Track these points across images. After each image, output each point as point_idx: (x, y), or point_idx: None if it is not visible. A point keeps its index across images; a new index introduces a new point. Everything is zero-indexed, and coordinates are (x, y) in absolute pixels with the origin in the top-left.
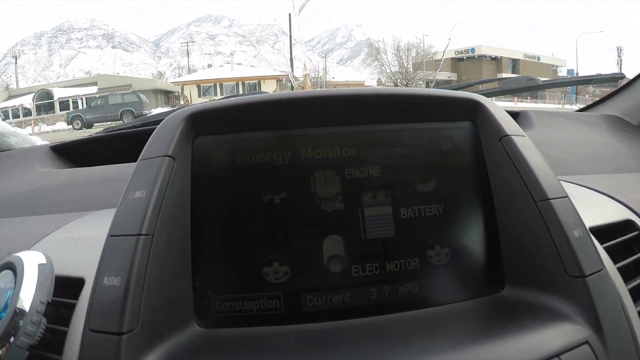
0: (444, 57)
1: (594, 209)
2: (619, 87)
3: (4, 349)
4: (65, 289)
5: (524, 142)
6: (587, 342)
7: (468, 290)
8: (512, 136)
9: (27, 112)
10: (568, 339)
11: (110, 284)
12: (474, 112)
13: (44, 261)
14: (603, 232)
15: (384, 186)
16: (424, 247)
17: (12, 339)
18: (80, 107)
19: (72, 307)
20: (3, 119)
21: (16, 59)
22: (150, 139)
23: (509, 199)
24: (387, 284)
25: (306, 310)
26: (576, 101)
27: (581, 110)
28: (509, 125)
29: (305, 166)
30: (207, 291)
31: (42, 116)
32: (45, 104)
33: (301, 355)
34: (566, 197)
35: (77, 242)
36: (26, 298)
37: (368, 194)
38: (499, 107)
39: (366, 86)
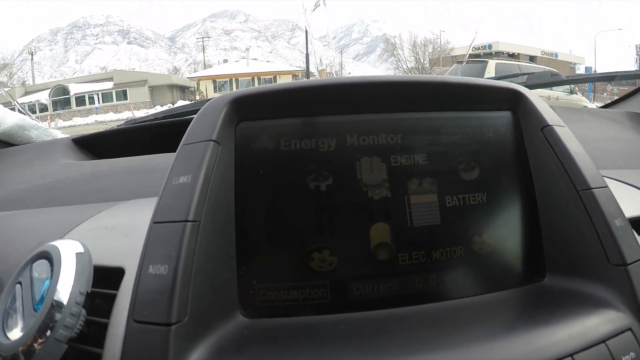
0: (468, 54)
1: (627, 200)
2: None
3: (39, 342)
4: (103, 279)
5: (565, 132)
6: (629, 329)
7: (510, 279)
8: (554, 126)
9: (44, 108)
10: (612, 325)
11: (156, 273)
12: (515, 102)
13: (82, 250)
14: (637, 224)
15: (429, 174)
16: (468, 236)
17: (49, 332)
18: (96, 102)
19: (111, 298)
20: (24, 113)
21: (32, 55)
22: (192, 124)
23: (550, 188)
24: (433, 273)
25: (352, 299)
26: (594, 99)
27: (604, 107)
28: (550, 116)
29: (351, 153)
30: (252, 280)
31: (58, 112)
32: (61, 99)
33: (357, 343)
34: (607, 187)
35: (111, 231)
36: (64, 289)
37: (414, 181)
38: (539, 98)
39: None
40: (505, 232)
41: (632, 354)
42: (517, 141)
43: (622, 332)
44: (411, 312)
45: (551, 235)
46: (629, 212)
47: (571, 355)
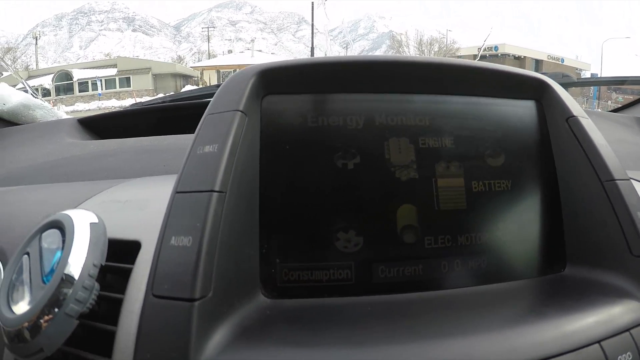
0: (479, 56)
1: None
2: None
3: (47, 317)
4: (118, 253)
5: (589, 123)
6: None
7: (531, 268)
8: (579, 117)
9: (47, 93)
10: (636, 315)
11: (179, 245)
12: (541, 92)
13: (96, 220)
14: None
15: (456, 157)
16: (492, 222)
17: (57, 308)
18: (99, 88)
19: (126, 273)
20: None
21: (36, 39)
22: (217, 94)
23: (573, 178)
24: (457, 257)
25: (377, 281)
26: (598, 106)
27: (612, 111)
28: (575, 107)
29: (379, 132)
30: (274, 259)
31: (61, 97)
32: (64, 84)
33: (388, 323)
34: (629, 179)
35: (125, 205)
36: (77, 261)
37: (442, 164)
38: (563, 89)
39: None
40: (527, 220)
41: None
42: (541, 130)
43: None
44: (435, 296)
45: (573, 225)
46: None
47: (599, 342)
